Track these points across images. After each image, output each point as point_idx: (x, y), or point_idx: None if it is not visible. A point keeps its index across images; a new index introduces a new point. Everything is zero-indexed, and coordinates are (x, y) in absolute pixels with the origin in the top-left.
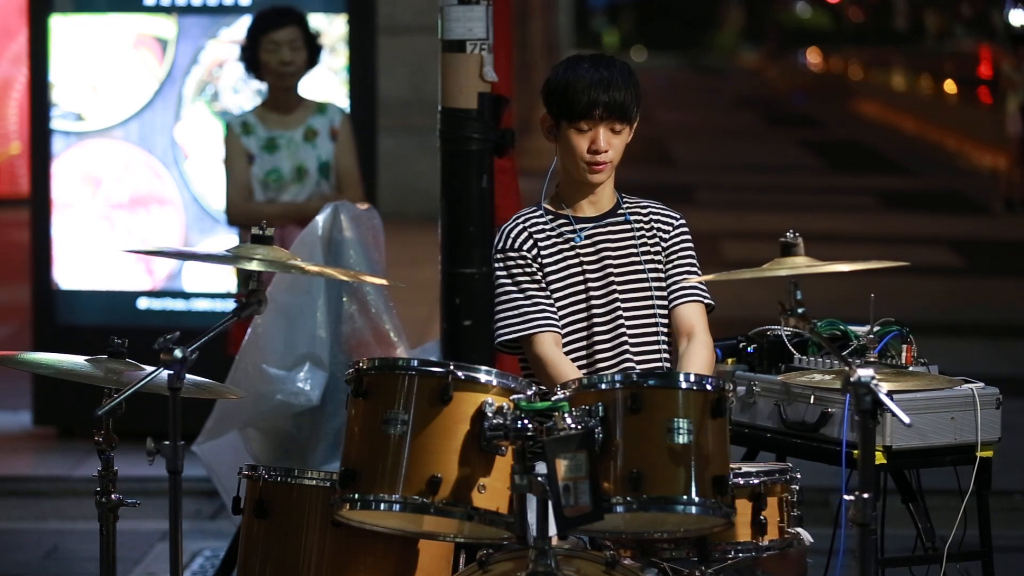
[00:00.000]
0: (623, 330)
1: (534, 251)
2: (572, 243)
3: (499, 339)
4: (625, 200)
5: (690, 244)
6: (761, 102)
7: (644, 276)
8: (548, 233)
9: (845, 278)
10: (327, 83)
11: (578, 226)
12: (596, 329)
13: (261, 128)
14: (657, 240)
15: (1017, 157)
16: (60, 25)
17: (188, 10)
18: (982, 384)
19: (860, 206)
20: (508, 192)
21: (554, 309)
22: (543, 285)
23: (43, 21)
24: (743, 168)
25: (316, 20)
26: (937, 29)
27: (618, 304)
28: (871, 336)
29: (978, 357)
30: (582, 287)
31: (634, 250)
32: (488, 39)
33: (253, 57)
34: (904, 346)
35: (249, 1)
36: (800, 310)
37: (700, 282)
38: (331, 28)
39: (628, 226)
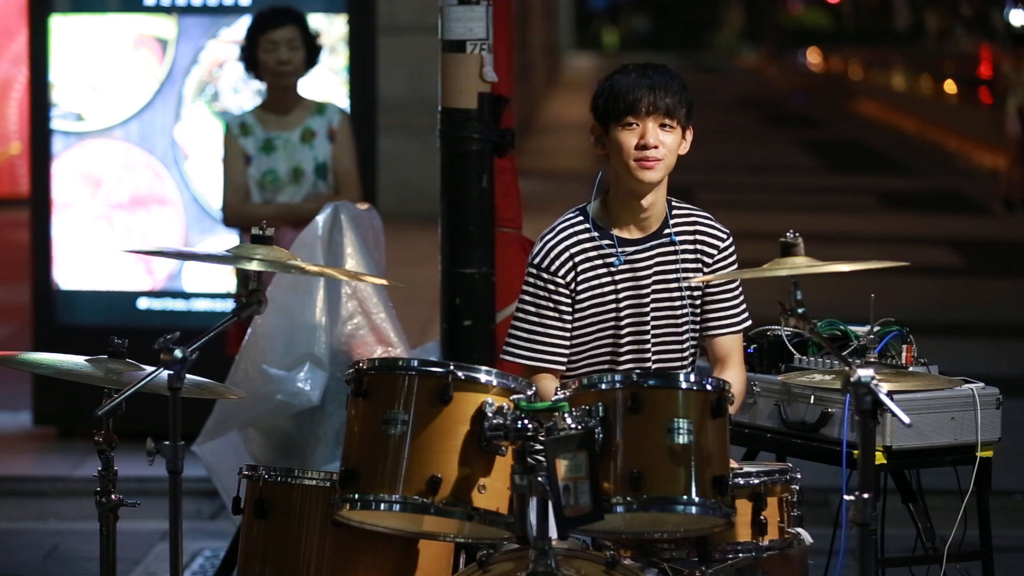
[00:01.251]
0: (648, 355)
1: (570, 275)
2: (610, 267)
3: (504, 356)
4: (674, 211)
5: (736, 267)
6: (761, 102)
7: (682, 304)
8: (589, 254)
9: (845, 278)
10: (327, 83)
11: (620, 250)
12: (621, 355)
13: (259, 129)
14: (699, 263)
15: (1017, 157)
16: (60, 25)
17: (188, 10)
18: (982, 384)
19: (860, 206)
20: (508, 192)
21: (566, 344)
22: (566, 315)
23: (43, 21)
24: (743, 168)
25: (316, 20)
26: (937, 29)
27: (648, 331)
28: (871, 336)
29: (978, 357)
30: (612, 314)
31: (675, 276)
32: (488, 39)
33: (252, 57)
34: (904, 346)
35: (249, 1)
36: (800, 310)
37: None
38: (331, 28)
39: (672, 248)
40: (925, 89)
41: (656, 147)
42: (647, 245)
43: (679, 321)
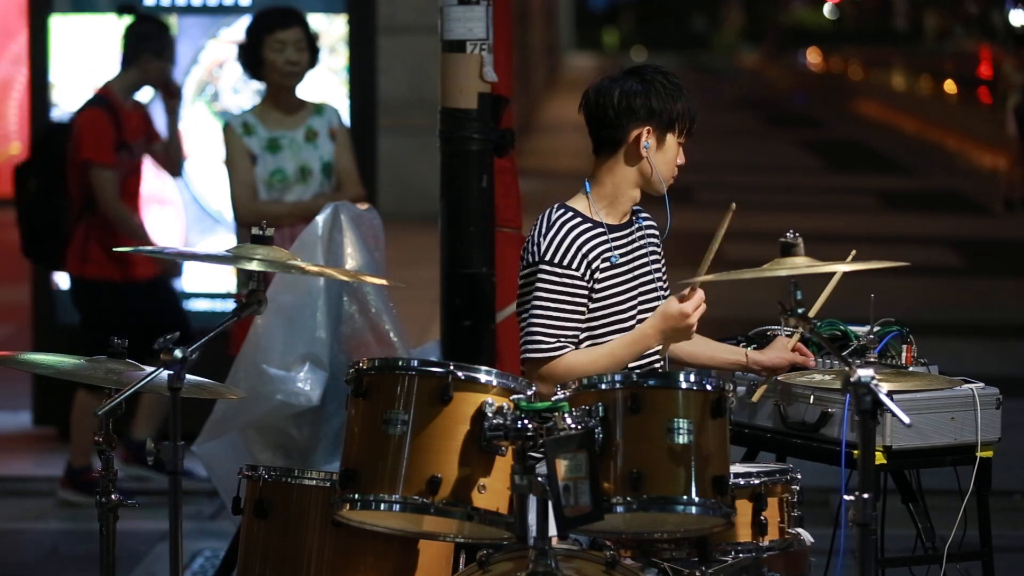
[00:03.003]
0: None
1: (583, 268)
2: (610, 260)
3: (527, 355)
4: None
5: None
6: (761, 102)
7: (657, 284)
8: (593, 243)
9: (845, 278)
10: (327, 83)
11: (614, 247)
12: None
13: (262, 128)
14: (658, 247)
15: (1017, 157)
16: (60, 25)
17: (188, 10)
18: (982, 384)
19: (860, 206)
20: (508, 192)
21: (581, 329)
22: (580, 305)
23: (43, 21)
24: (743, 168)
25: (316, 20)
26: (937, 29)
27: (644, 313)
28: (871, 336)
29: (978, 357)
30: (621, 296)
31: (647, 258)
32: (488, 39)
33: (256, 56)
34: (904, 346)
35: (249, 1)
36: (800, 310)
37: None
38: (331, 28)
39: (640, 233)
40: (925, 89)
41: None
42: (626, 232)
43: (661, 300)
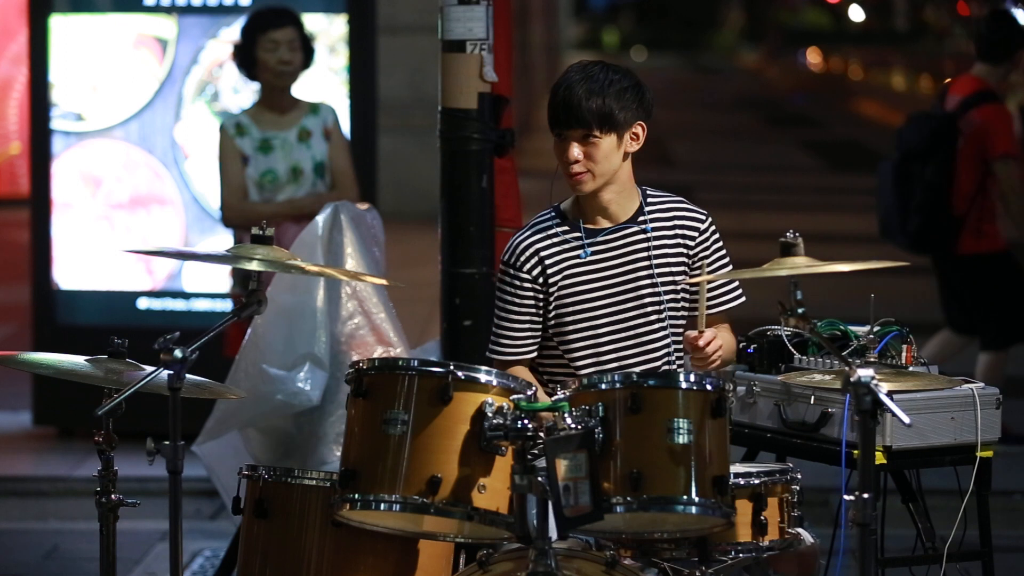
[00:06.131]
0: (629, 342)
1: (537, 271)
2: (579, 257)
3: (487, 354)
4: (649, 200)
5: (720, 244)
6: (761, 102)
7: (655, 290)
8: (556, 248)
9: (845, 278)
10: (327, 83)
11: (587, 241)
12: (604, 344)
13: (255, 129)
14: (681, 248)
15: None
16: (60, 25)
17: (188, 10)
18: (982, 384)
19: (860, 206)
20: (508, 192)
21: (528, 338)
22: (530, 309)
23: (43, 21)
24: (743, 168)
25: (316, 20)
26: (938, 28)
27: (626, 319)
28: (871, 336)
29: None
30: (590, 303)
31: (646, 263)
32: (488, 39)
33: (249, 55)
34: (904, 346)
35: (249, 1)
36: (800, 310)
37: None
38: (331, 28)
39: (644, 236)
40: (925, 89)
41: (576, 161)
42: (618, 235)
43: (658, 308)
